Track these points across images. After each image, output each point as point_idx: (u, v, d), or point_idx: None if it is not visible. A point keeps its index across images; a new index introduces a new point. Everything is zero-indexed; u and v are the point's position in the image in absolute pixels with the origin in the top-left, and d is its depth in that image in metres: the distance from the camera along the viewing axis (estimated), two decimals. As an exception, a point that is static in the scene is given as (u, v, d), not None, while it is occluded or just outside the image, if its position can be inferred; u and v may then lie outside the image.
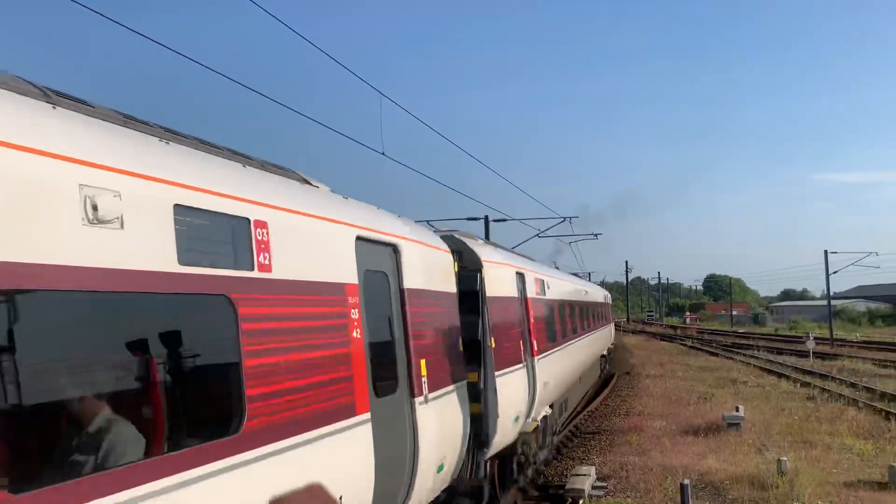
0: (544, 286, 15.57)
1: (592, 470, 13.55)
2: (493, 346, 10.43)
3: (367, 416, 5.99)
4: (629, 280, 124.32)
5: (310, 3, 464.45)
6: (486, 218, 31.80)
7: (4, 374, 2.97)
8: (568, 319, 18.84)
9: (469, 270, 10.33)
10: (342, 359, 5.72)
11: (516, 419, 11.39)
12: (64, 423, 3.41)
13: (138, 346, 3.81)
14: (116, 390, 3.68)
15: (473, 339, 10.03)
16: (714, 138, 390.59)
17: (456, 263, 9.68)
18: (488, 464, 10.76)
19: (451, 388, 8.35)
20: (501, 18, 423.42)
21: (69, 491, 3.09)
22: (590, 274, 63.09)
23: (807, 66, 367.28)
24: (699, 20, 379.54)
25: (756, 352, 44.68)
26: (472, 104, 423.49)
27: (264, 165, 5.77)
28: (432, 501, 8.17)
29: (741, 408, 19.20)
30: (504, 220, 32.55)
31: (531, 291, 13.61)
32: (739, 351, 47.40)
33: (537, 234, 34.38)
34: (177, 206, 4.03)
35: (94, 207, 3.43)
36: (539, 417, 13.25)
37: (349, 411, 5.68)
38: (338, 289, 5.79)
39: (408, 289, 7.34)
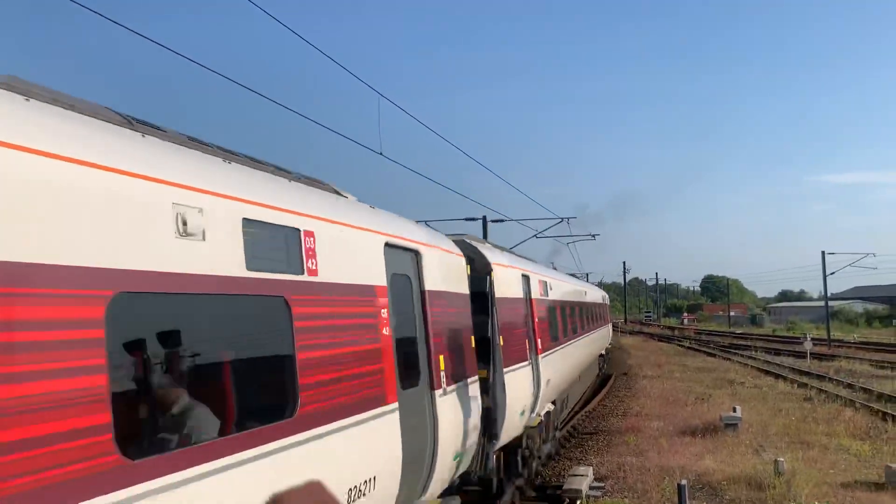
0: (547, 287, 16.14)
1: (590, 470, 13.57)
2: (502, 344, 11.02)
3: (396, 405, 6.61)
4: (627, 281, 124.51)
5: (308, 3, 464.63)
6: (484, 218, 31.80)
7: (125, 364, 3.62)
8: (569, 319, 19.37)
9: (479, 273, 10.88)
10: (375, 353, 6.36)
11: (522, 413, 11.95)
12: (161, 404, 4.02)
13: (217, 342, 4.52)
14: (198, 379, 4.30)
15: (483, 337, 10.52)
16: (713, 138, 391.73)
17: (468, 266, 10.20)
18: (496, 456, 11.22)
19: (465, 382, 8.95)
20: (502, 19, 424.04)
21: (169, 459, 3.75)
22: (587, 275, 63.09)
23: (806, 67, 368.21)
24: (699, 20, 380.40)
25: (753, 352, 44.80)
26: (472, 104, 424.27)
27: (301, 179, 6.37)
28: (447, 488, 8.72)
29: (738, 408, 19.22)
30: (502, 221, 32.57)
31: (535, 292, 14.20)
32: (737, 352, 47.48)
33: (535, 235, 34.38)
34: (244, 219, 4.66)
35: (184, 223, 4.07)
36: (543, 413, 13.80)
37: (381, 401, 6.31)
38: (370, 290, 6.45)
39: (428, 290, 7.97)
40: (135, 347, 3.75)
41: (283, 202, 5.24)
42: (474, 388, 9.37)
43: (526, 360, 12.46)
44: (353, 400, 5.82)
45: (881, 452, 15.65)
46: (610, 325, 41.95)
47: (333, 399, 5.49)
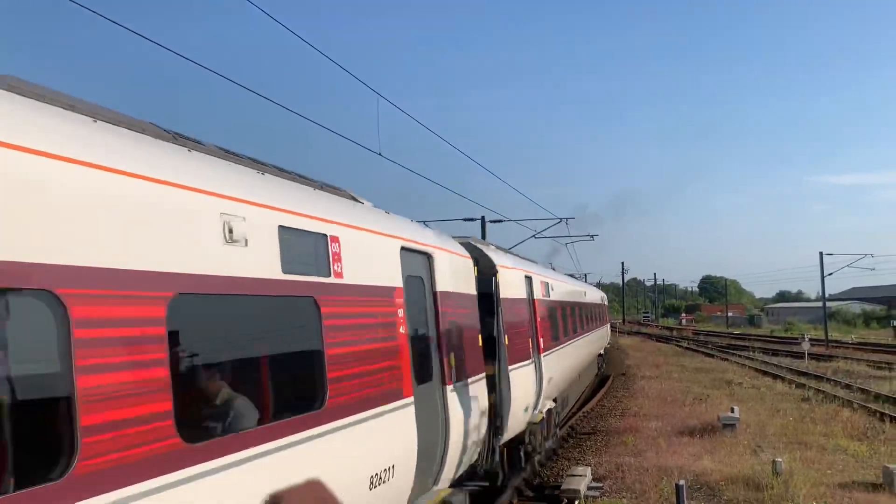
0: (549, 288, 16.58)
1: (588, 470, 13.56)
2: (507, 343, 11.45)
3: (412, 399, 7.07)
4: (625, 281, 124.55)
5: (307, 3, 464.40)
6: (483, 219, 31.82)
7: (182, 358, 4.02)
8: (569, 320, 19.76)
9: (485, 275, 11.24)
10: (393, 350, 6.80)
11: (526, 410, 12.44)
12: (212, 394, 4.46)
13: (258, 339, 4.95)
14: (242, 372, 4.79)
15: (489, 336, 10.93)
16: (713, 139, 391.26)
17: (475, 268, 10.61)
18: (501, 450, 11.66)
19: (473, 378, 9.35)
20: (501, 20, 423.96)
21: (219, 443, 4.21)
22: (586, 275, 63.09)
23: (806, 67, 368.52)
24: (699, 20, 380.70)
25: (751, 353, 44.82)
26: (471, 105, 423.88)
27: (323, 187, 6.83)
28: (455, 480, 9.10)
29: (736, 409, 19.24)
30: (500, 221, 32.60)
31: (538, 293, 14.61)
32: (735, 352, 47.52)
33: (533, 235, 34.40)
34: (280, 226, 5.11)
35: (230, 230, 4.51)
36: (545, 410, 14.27)
37: (398, 395, 6.77)
38: (388, 291, 6.90)
39: (439, 291, 8.41)
40: (189, 343, 4.15)
41: (311, 210, 5.71)
42: (482, 385, 9.76)
43: (529, 358, 12.85)
44: (374, 393, 6.25)
45: (878, 453, 15.69)
46: (608, 326, 42.09)
47: (357, 392, 5.94)
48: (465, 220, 31.07)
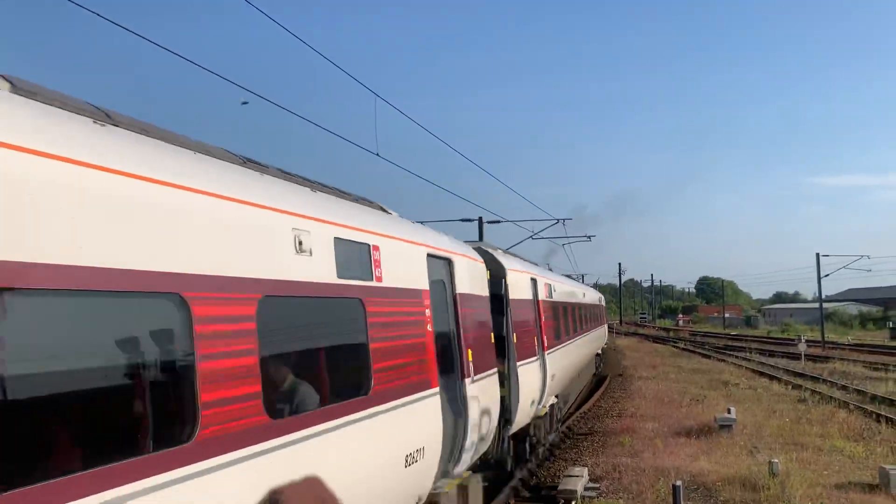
0: (552, 290, 17.42)
1: (585, 471, 13.58)
2: (515, 341, 12.26)
3: (438, 389, 7.89)
4: (622, 282, 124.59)
5: (305, 3, 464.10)
6: (480, 219, 31.80)
7: (267, 348, 4.73)
8: (570, 320, 20.62)
9: (495, 277, 11.89)
10: (423, 346, 7.65)
11: (532, 403, 13.20)
12: (288, 378, 5.23)
13: (317, 334, 5.82)
14: (307, 361, 5.65)
15: (499, 334, 11.60)
16: (712, 140, 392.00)
17: (487, 272, 11.29)
18: (509, 440, 12.41)
19: (487, 373, 10.14)
20: (500, 21, 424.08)
21: (296, 420, 5.02)
22: (583, 276, 63.12)
23: (803, 70, 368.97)
24: (698, 23, 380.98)
25: (748, 354, 44.90)
26: (470, 106, 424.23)
27: (359, 200, 7.65)
28: (471, 466, 9.81)
29: (733, 410, 19.26)
30: (498, 222, 32.60)
31: (542, 294, 15.43)
32: (731, 353, 47.61)
33: (531, 236, 34.42)
34: (335, 238, 5.93)
35: (300, 243, 5.33)
36: (548, 405, 15.20)
37: (428, 385, 7.60)
38: (418, 293, 7.72)
39: (458, 293, 9.25)
40: (270, 337, 4.83)
41: (357, 223, 6.54)
42: (494, 379, 10.55)
43: (535, 355, 13.70)
44: (408, 383, 7.09)
45: (874, 454, 15.72)
46: (605, 326, 42.23)
47: (395, 381, 6.76)
48: (463, 220, 31.06)
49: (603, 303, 42.48)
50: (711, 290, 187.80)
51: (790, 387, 27.86)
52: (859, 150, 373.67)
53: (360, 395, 6.08)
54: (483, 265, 11.06)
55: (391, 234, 7.32)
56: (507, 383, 11.87)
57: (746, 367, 36.46)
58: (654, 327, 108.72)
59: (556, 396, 16.69)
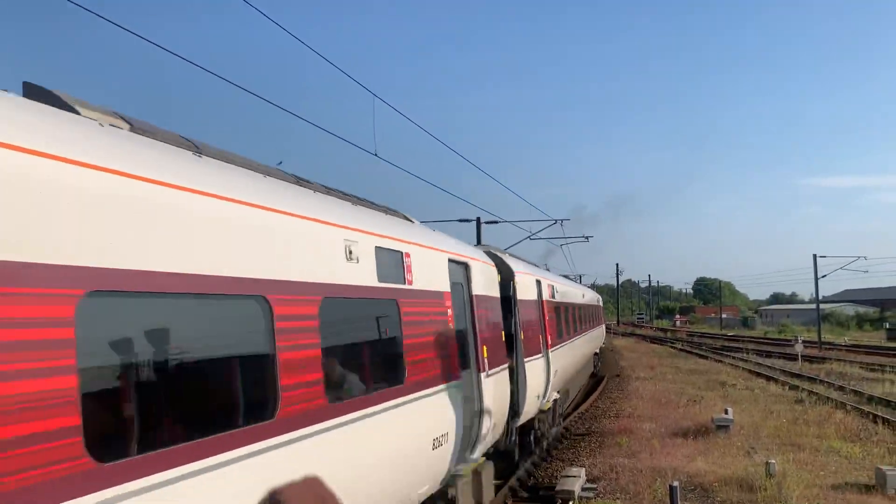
0: (554, 291, 18.36)
1: (582, 471, 13.59)
2: (522, 338, 13.07)
3: (460, 381, 8.79)
4: (620, 282, 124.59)
5: (304, 3, 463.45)
6: (478, 220, 31.82)
7: (325, 341, 5.50)
8: (571, 319, 21.50)
9: (503, 280, 12.64)
10: (446, 342, 8.45)
11: (537, 397, 14.16)
12: (338, 368, 5.92)
13: (364, 330, 6.68)
14: (353, 353, 6.38)
15: (507, 332, 12.32)
16: (710, 141, 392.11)
17: (498, 274, 12.08)
18: (517, 432, 13.18)
19: (500, 368, 10.99)
20: (499, 21, 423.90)
21: (346, 405, 5.82)
22: (580, 276, 63.14)
23: (801, 70, 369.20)
24: (696, 23, 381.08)
25: (745, 355, 44.92)
26: (468, 107, 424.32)
27: (387, 210, 8.50)
28: (484, 453, 10.50)
29: (730, 410, 19.28)
30: (496, 222, 32.59)
31: (546, 295, 16.41)
32: (729, 354, 47.64)
33: (529, 237, 34.42)
34: (376, 247, 6.81)
35: (350, 251, 6.22)
36: (551, 400, 16.14)
37: (449, 377, 8.43)
38: (441, 295, 8.58)
39: (474, 295, 10.04)
40: (327, 332, 5.56)
41: (392, 233, 7.41)
42: (505, 374, 11.41)
43: (540, 352, 14.62)
44: (434, 375, 7.88)
45: (871, 454, 15.74)
46: (603, 326, 42.39)
47: (424, 373, 7.58)
48: (461, 220, 31.09)
49: (601, 303, 42.60)
50: (709, 291, 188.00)
51: (787, 387, 27.89)
52: (857, 152, 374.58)
53: (396, 385, 6.91)
54: (494, 268, 11.84)
55: (418, 241, 8.18)
56: (515, 378, 12.57)
57: (743, 368, 36.48)
58: (651, 328, 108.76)
59: (558, 392, 17.46)
